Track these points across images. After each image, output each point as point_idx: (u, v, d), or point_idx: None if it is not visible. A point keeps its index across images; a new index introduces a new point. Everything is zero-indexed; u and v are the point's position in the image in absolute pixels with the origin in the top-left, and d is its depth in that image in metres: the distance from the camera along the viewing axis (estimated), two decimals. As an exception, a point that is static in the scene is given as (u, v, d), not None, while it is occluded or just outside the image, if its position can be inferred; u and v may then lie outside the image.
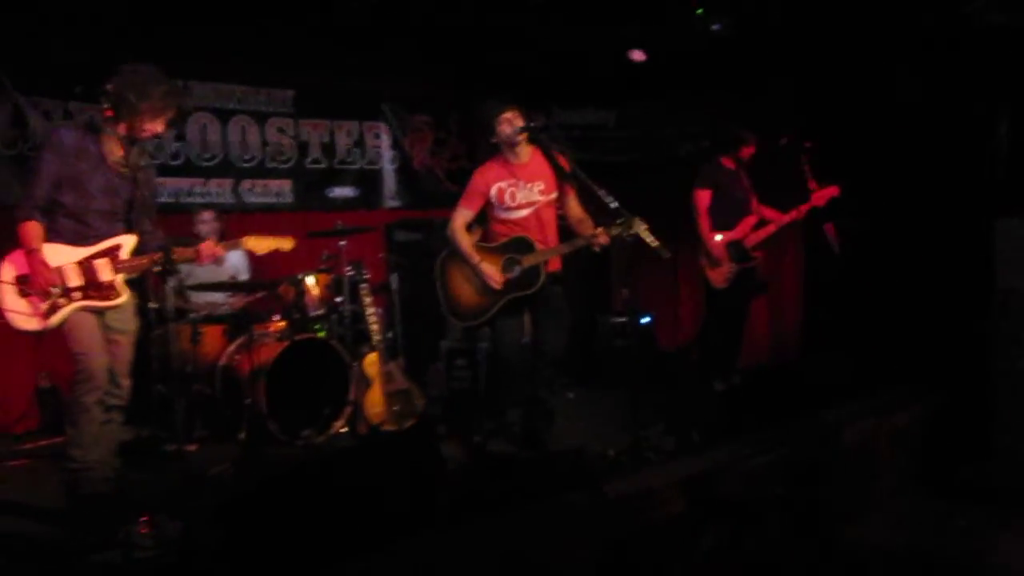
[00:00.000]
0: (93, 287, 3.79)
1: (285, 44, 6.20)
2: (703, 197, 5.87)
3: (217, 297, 5.75)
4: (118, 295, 3.85)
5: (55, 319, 3.71)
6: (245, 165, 6.68)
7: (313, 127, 6.99)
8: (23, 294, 3.68)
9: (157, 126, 3.80)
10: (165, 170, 6.26)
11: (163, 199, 6.20)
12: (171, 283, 4.04)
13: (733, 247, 5.84)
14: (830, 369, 4.79)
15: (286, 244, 4.24)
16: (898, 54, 6.26)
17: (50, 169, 3.66)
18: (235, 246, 4.13)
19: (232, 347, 5.49)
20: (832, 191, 5.80)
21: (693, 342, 7.49)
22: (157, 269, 3.85)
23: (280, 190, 6.83)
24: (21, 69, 5.60)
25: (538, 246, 4.63)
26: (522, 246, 4.65)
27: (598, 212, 4.65)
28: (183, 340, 5.37)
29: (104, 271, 3.81)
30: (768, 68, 6.97)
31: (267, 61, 6.50)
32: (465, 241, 4.62)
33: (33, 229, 3.67)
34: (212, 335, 5.54)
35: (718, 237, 5.85)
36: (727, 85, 7.34)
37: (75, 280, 3.76)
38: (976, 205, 5.38)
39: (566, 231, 4.82)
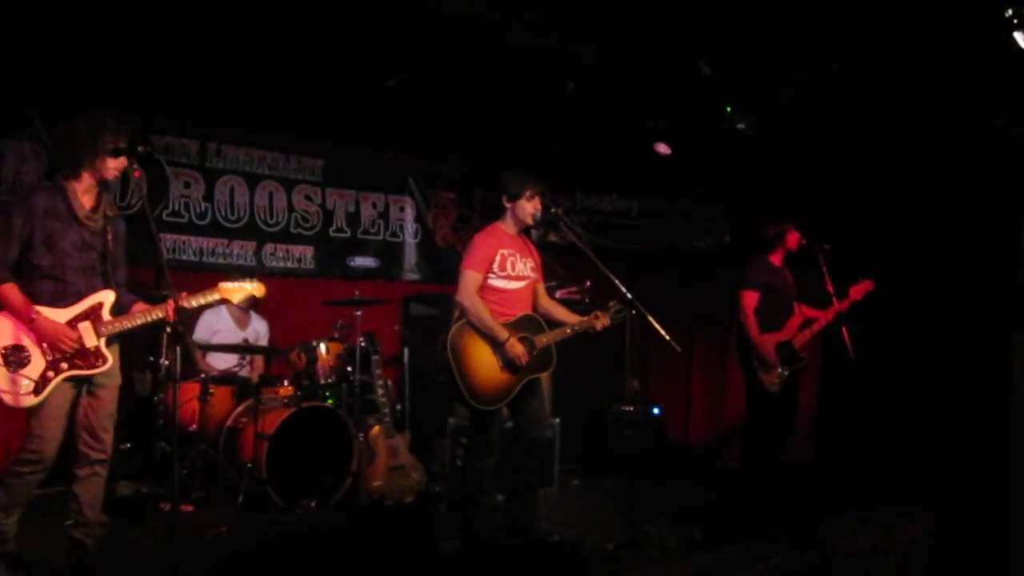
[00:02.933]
0: (79, 355, 3.67)
1: (318, 115, 6.30)
2: (751, 298, 5.76)
3: (233, 360, 5.75)
4: (104, 361, 3.73)
5: (45, 393, 3.57)
6: (269, 229, 6.72)
7: (340, 196, 7.05)
8: (9, 367, 3.52)
9: (120, 162, 3.72)
10: (190, 228, 6.32)
11: (186, 257, 6.27)
12: (181, 343, 3.98)
13: (783, 348, 5.75)
14: (843, 473, 4.68)
15: (259, 290, 4.09)
16: (923, 159, 6.30)
17: (20, 231, 3.57)
18: (212, 294, 3.94)
19: (239, 409, 5.46)
20: (867, 286, 5.79)
21: (717, 438, 7.47)
22: (168, 330, 3.79)
23: (302, 256, 6.86)
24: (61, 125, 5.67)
25: (544, 323, 4.62)
26: (531, 325, 4.61)
27: (608, 300, 4.69)
28: (191, 399, 5.35)
29: (88, 336, 3.69)
30: (789, 168, 7.02)
31: (299, 130, 6.61)
32: (488, 313, 4.40)
33: (11, 290, 3.57)
34: (221, 396, 5.51)
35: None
36: (749, 181, 7.41)
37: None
38: (994, 317, 5.35)
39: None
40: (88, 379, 3.73)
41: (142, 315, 3.77)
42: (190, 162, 6.34)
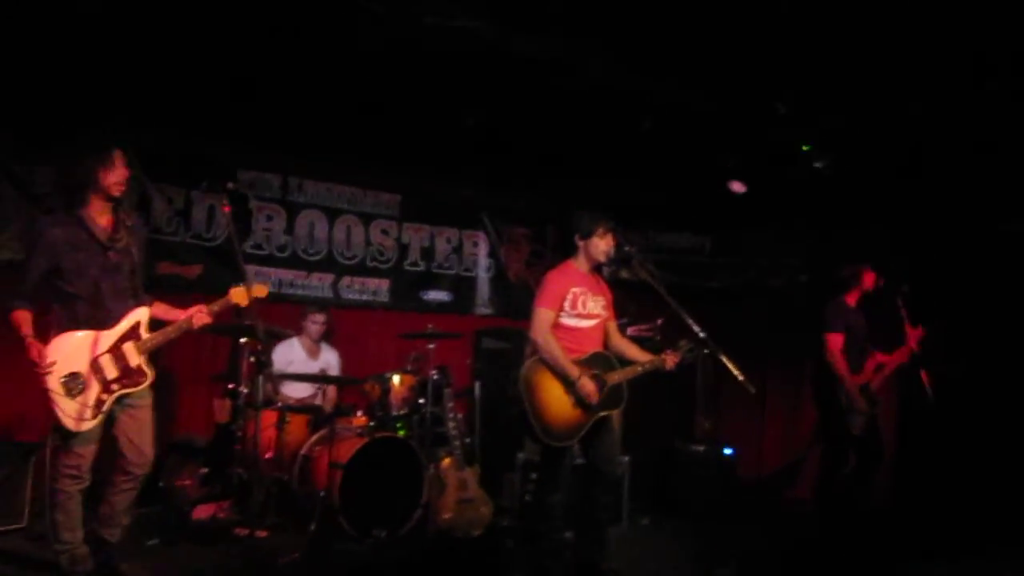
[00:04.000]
0: (125, 374, 3.83)
1: (396, 151, 6.43)
2: (837, 341, 5.70)
3: (308, 389, 5.86)
4: (146, 377, 3.87)
5: (102, 415, 3.76)
6: (347, 262, 6.87)
7: (415, 231, 7.19)
8: (71, 395, 3.69)
9: (119, 172, 3.79)
10: (270, 260, 6.50)
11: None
12: (263, 372, 4.10)
13: (864, 391, 5.71)
14: (925, 521, 4.55)
15: (262, 291, 4.16)
16: (1007, 203, 6.17)
17: (38, 265, 3.71)
18: (225, 304, 4.04)
19: (314, 438, 5.55)
20: (918, 334, 5.74)
21: (791, 481, 7.34)
22: (251, 359, 3.91)
23: (377, 289, 6.99)
24: (154, 159, 5.89)
25: (616, 362, 4.61)
26: (602, 362, 4.60)
27: (679, 338, 4.68)
28: (268, 427, 5.46)
29: (132, 355, 3.84)
30: (867, 207, 6.91)
31: (378, 166, 6.76)
32: (560, 351, 4.40)
33: (23, 317, 3.70)
34: (296, 424, 5.61)
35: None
36: (825, 221, 7.30)
37: (112, 371, 3.79)
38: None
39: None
40: (126, 395, 3.85)
41: (176, 329, 3.94)
42: (273, 196, 6.55)
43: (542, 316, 4.45)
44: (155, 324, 3.96)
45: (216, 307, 4.02)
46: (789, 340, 7.82)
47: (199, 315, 3.97)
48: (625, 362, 4.67)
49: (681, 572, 4.69)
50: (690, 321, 4.37)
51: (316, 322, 6.09)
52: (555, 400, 4.41)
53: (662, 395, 6.52)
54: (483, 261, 7.51)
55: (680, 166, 6.73)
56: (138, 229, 4.04)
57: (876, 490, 6.66)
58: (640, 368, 4.62)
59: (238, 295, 4.06)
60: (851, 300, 5.85)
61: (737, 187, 6.70)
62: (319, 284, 6.74)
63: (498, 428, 6.30)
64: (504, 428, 6.06)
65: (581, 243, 4.62)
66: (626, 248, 4.66)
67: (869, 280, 5.83)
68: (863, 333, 5.82)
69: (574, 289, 4.54)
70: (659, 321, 6.36)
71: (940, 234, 6.91)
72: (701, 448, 6.74)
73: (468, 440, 6.00)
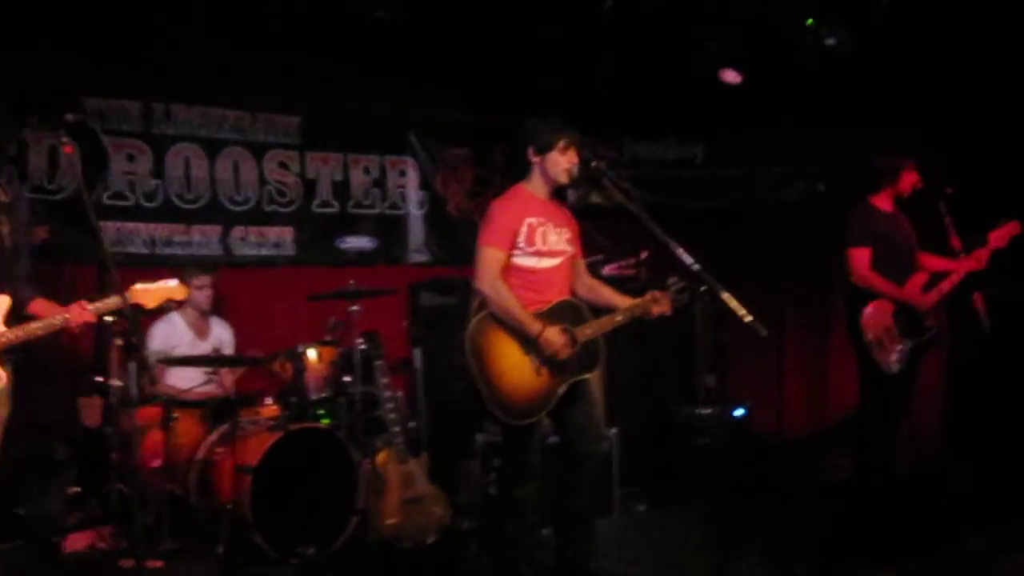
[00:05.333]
0: None
1: (290, 60, 6.33)
2: (862, 257, 5.81)
3: (196, 376, 5.83)
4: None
5: None
6: (237, 209, 6.79)
7: (323, 162, 7.11)
8: None
9: None
10: (138, 213, 6.40)
11: (135, 249, 6.38)
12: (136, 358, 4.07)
13: (904, 317, 5.79)
14: (979, 480, 4.69)
15: (178, 292, 4.23)
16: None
17: None
18: (120, 303, 4.00)
19: (212, 438, 5.52)
20: (1013, 228, 5.81)
21: (822, 442, 7.52)
22: (119, 342, 3.87)
23: (280, 240, 6.93)
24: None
25: (587, 311, 4.63)
26: (570, 312, 4.60)
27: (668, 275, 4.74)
28: (152, 427, 5.43)
29: None
30: (896, 94, 6.99)
31: (268, 81, 6.63)
32: (515, 301, 4.39)
33: None
34: (188, 422, 5.58)
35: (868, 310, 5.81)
36: (843, 114, 7.35)
37: None
38: None
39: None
40: None
41: (44, 326, 3.87)
42: (133, 129, 6.41)
43: (489, 257, 4.44)
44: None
45: (103, 306, 3.97)
46: (809, 267, 7.94)
47: (80, 312, 3.91)
48: (600, 310, 4.68)
49: (687, 567, 4.76)
50: (681, 252, 4.32)
51: (201, 287, 6.02)
52: (513, 366, 4.40)
53: (652, 348, 6.61)
54: (414, 195, 7.47)
55: (659, 54, 6.72)
56: (16, 207, 3.99)
57: (920, 447, 6.87)
58: (620, 317, 4.63)
59: (139, 294, 4.07)
60: (883, 203, 5.94)
61: (731, 77, 6.72)
62: (203, 239, 6.66)
63: (448, 406, 6.33)
64: (456, 405, 6.08)
65: (537, 160, 4.60)
66: (594, 164, 4.61)
67: (908, 180, 5.90)
68: (907, 242, 5.93)
69: (529, 220, 4.53)
70: (642, 255, 6.40)
71: (988, 132, 7.01)
72: (706, 411, 6.81)
73: (411, 424, 5.97)
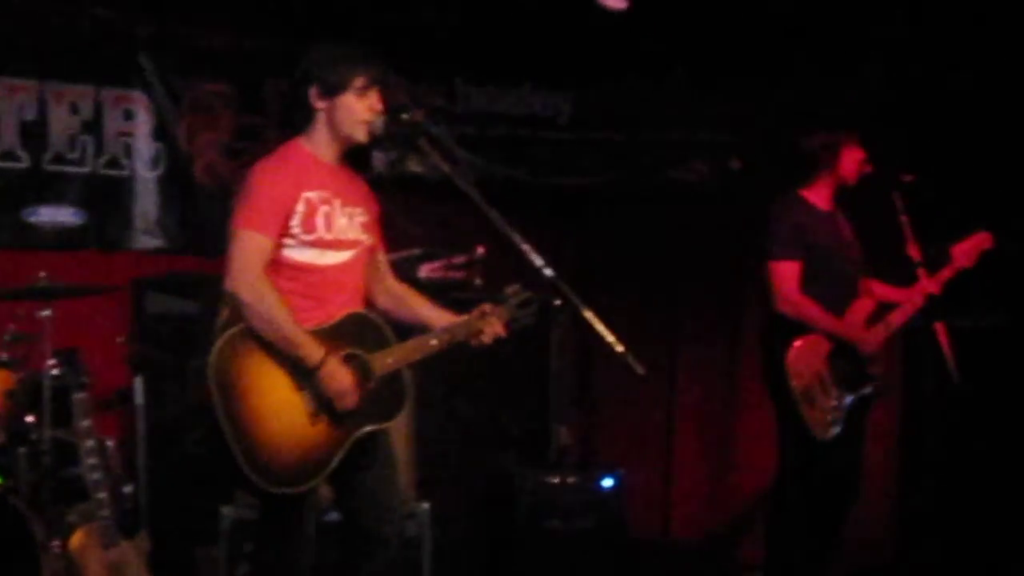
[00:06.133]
0: None
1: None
2: (788, 275, 5.83)
3: None
4: None
5: None
6: None
7: (7, 92, 6.90)
8: None
9: None
10: None
11: None
12: None
13: (842, 360, 5.84)
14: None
15: None
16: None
17: None
18: None
19: None
20: (982, 240, 5.92)
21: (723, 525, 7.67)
22: None
23: (-67, 209, 6.79)
24: None
25: (388, 331, 4.56)
26: (365, 332, 4.53)
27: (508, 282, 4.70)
28: None
29: None
30: (840, 37, 7.13)
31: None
32: (285, 311, 4.31)
33: None
34: None
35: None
36: (768, 64, 7.42)
37: None
38: None
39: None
40: None
41: None
42: None
43: (248, 247, 4.33)
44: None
45: None
46: (715, 280, 7.98)
47: None
48: (409, 330, 4.65)
49: None
50: (529, 250, 4.29)
51: None
52: (277, 407, 4.30)
53: (485, 388, 6.62)
54: (145, 148, 7.30)
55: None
56: None
57: (866, 531, 6.94)
58: (436, 341, 4.58)
59: None
60: (818, 197, 6.00)
61: (612, 1, 6.71)
62: None
63: (182, 463, 6.26)
64: (193, 463, 6.02)
65: (323, 106, 4.51)
66: (408, 116, 4.55)
67: (851, 162, 5.95)
68: (846, 255, 6.01)
69: (308, 194, 4.44)
70: (476, 252, 6.35)
71: (966, 95, 7.15)
72: (559, 479, 6.76)
73: (126, 489, 5.90)
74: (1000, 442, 6.82)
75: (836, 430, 5.79)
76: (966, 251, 5.91)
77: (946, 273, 5.90)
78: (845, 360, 5.83)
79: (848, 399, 5.82)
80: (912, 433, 7.48)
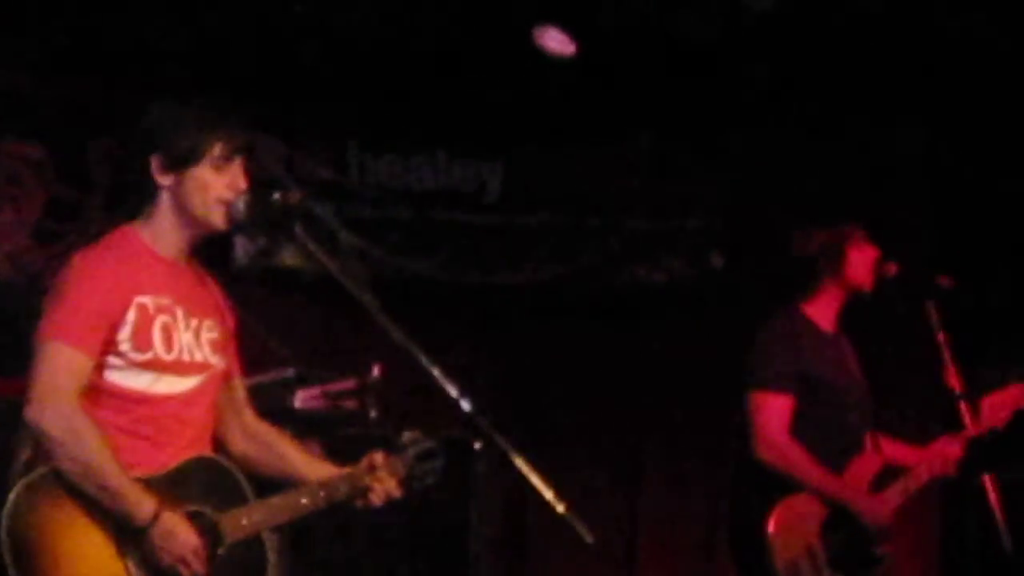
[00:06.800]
0: None
1: None
2: (776, 413, 5.85)
3: None
4: None
5: None
6: None
7: None
8: None
9: None
10: None
11: None
12: None
13: (840, 531, 5.83)
14: None
15: None
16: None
17: None
18: None
19: None
20: (1020, 394, 5.91)
21: None
22: None
23: None
24: None
25: (244, 483, 4.49)
26: (213, 485, 4.48)
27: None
28: None
29: None
30: (844, 100, 7.21)
31: None
32: (107, 454, 4.23)
33: None
34: None
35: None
36: (762, 131, 7.49)
37: None
38: None
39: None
40: None
41: None
42: None
43: (58, 364, 4.27)
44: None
45: None
46: (691, 408, 7.97)
47: None
48: (273, 483, 4.61)
49: None
50: (440, 376, 4.25)
51: None
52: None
53: (385, 553, 6.56)
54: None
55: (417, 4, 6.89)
56: None
57: None
58: (308, 500, 4.55)
59: None
60: (822, 313, 6.05)
61: (557, 43, 6.79)
62: None
63: None
64: None
65: (167, 183, 4.45)
66: (279, 196, 4.51)
67: (863, 262, 5.99)
68: (850, 396, 6.01)
69: (142, 300, 4.39)
70: (371, 373, 6.31)
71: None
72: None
73: None
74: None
75: None
76: (1002, 403, 5.91)
77: (970, 432, 5.87)
78: (843, 533, 5.82)
79: None
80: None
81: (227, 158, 4.41)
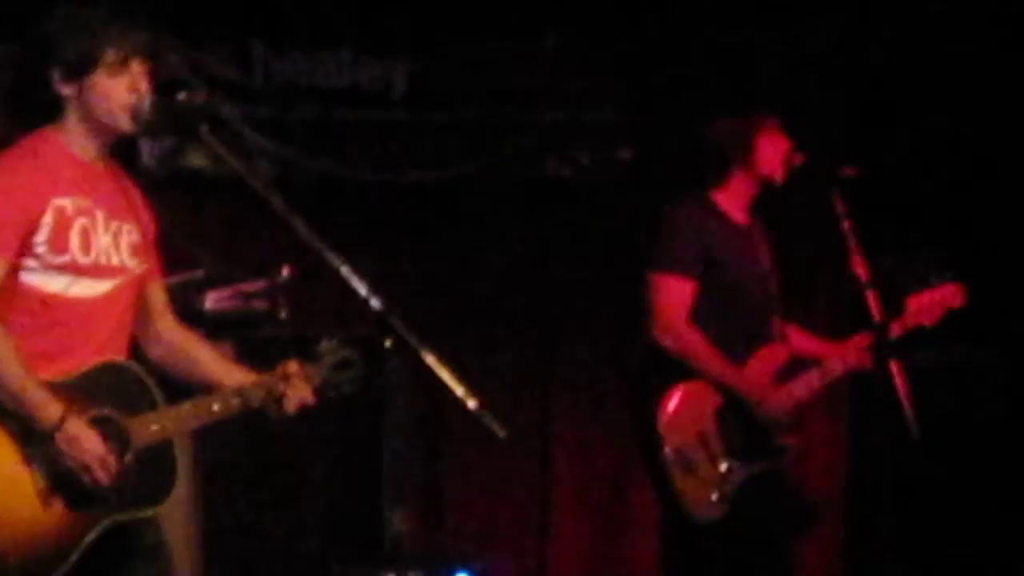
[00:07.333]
0: None
1: None
2: (676, 296, 5.87)
3: None
4: None
5: None
6: None
7: None
8: None
9: None
10: None
11: None
12: None
13: (736, 420, 5.87)
14: None
15: None
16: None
17: None
18: None
19: None
20: (950, 296, 5.97)
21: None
22: None
23: None
24: None
25: (154, 388, 4.48)
26: (123, 389, 4.44)
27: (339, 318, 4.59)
28: None
29: None
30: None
31: None
32: (14, 355, 4.23)
33: None
34: None
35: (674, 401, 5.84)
36: (669, 18, 7.50)
37: None
38: None
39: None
40: None
41: None
42: None
43: None
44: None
45: None
46: (602, 304, 7.98)
47: None
48: (186, 388, 4.59)
49: None
50: (349, 274, 4.24)
51: None
52: None
53: (295, 462, 6.59)
54: None
55: None
56: None
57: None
58: (219, 406, 4.54)
59: None
60: (730, 201, 6.06)
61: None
62: None
63: None
64: None
65: (70, 93, 4.44)
66: (183, 95, 4.48)
67: (773, 152, 5.99)
68: (757, 284, 6.05)
69: (60, 202, 4.36)
70: (281, 273, 6.28)
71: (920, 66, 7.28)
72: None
73: None
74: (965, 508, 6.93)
75: (720, 511, 5.80)
76: (927, 305, 5.96)
77: (895, 331, 5.88)
78: (740, 421, 5.86)
79: (742, 472, 5.84)
80: (861, 494, 7.58)
81: (123, 62, 4.38)
